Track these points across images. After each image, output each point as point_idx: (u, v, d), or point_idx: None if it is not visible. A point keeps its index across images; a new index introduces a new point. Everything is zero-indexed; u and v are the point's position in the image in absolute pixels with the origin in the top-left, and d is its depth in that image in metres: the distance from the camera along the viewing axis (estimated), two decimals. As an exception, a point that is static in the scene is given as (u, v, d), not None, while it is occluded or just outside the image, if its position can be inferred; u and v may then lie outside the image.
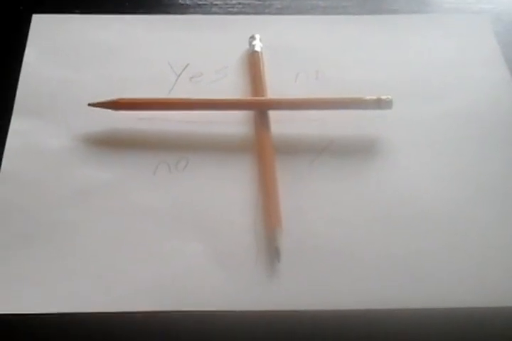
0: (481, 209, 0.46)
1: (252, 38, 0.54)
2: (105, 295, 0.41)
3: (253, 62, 0.52)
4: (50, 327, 0.40)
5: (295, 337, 0.40)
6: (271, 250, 0.43)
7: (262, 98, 0.50)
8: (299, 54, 0.54)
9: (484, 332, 0.41)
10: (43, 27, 0.54)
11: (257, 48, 0.53)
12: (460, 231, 0.44)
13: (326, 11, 0.57)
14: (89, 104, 0.48)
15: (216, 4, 0.57)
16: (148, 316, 0.40)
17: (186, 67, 0.52)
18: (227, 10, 0.57)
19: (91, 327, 0.40)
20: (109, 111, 0.48)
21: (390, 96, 0.48)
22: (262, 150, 0.47)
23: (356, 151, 0.48)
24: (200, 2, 0.57)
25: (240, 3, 0.57)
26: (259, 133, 0.48)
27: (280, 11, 0.57)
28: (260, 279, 0.42)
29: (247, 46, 0.54)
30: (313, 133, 0.49)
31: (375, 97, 0.48)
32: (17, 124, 0.48)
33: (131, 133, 0.48)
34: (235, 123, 0.49)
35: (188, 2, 0.57)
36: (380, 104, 0.48)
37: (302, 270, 0.42)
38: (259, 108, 0.49)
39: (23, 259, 0.42)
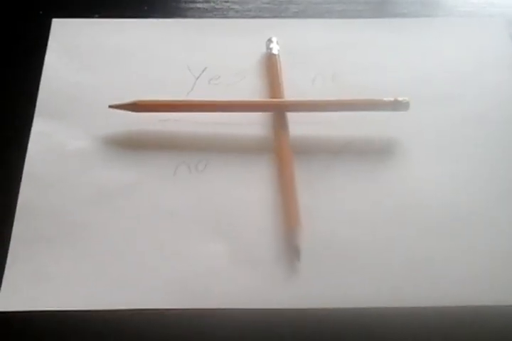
0: (497, 211, 0.46)
1: (269, 40, 0.54)
2: (127, 294, 0.41)
3: (270, 65, 0.53)
4: (72, 324, 0.41)
5: (315, 334, 0.40)
6: (291, 249, 0.43)
7: (281, 100, 0.50)
8: (316, 57, 0.54)
9: (497, 329, 0.41)
10: (62, 31, 0.55)
11: (275, 51, 0.53)
12: (476, 233, 0.45)
13: (341, 14, 0.58)
14: (110, 106, 0.49)
15: (233, 8, 0.58)
16: (170, 314, 0.41)
17: (204, 70, 0.53)
18: (244, 14, 0.57)
19: (112, 324, 0.41)
20: (129, 113, 0.49)
21: (406, 98, 0.49)
22: (280, 151, 0.48)
23: (373, 152, 0.49)
24: (217, 6, 0.58)
25: (256, 7, 0.58)
26: (278, 135, 0.49)
27: (296, 15, 0.57)
28: (280, 278, 0.42)
29: (265, 49, 0.54)
30: (331, 135, 0.49)
31: (392, 99, 0.49)
32: (39, 126, 0.49)
33: (150, 135, 0.49)
34: (253, 125, 0.50)
35: (205, 6, 0.58)
36: (396, 105, 0.49)
37: (321, 269, 0.43)
38: (278, 110, 0.50)
39: (46, 258, 0.43)
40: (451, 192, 0.47)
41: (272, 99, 0.51)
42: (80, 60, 0.53)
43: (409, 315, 0.41)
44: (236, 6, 0.58)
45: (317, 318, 0.41)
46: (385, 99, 0.49)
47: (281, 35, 0.55)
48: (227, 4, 0.58)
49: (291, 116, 0.50)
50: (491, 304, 0.42)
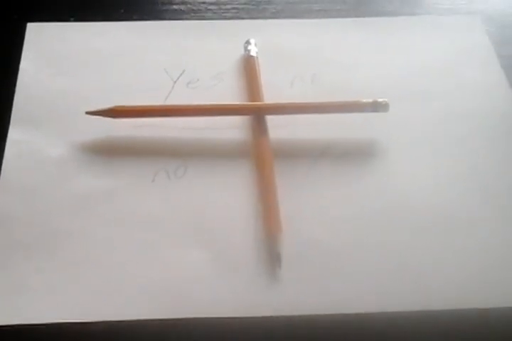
0: (481, 210, 0.46)
1: (247, 42, 0.54)
2: (106, 304, 0.41)
3: (249, 67, 0.53)
4: (51, 338, 0.40)
5: (298, 341, 0.40)
6: (272, 256, 0.43)
7: (259, 103, 0.50)
8: (295, 58, 0.54)
9: (488, 332, 0.41)
10: (38, 35, 0.54)
11: (253, 53, 0.53)
12: (461, 233, 0.45)
13: (320, 14, 0.57)
14: (87, 112, 0.48)
15: (210, 9, 0.57)
16: (150, 324, 0.40)
17: (182, 73, 0.53)
18: (221, 15, 0.57)
19: (91, 335, 0.40)
20: (107, 118, 0.48)
21: (386, 99, 0.48)
22: (260, 156, 0.47)
23: (354, 154, 0.48)
24: (194, 7, 0.57)
25: (234, 8, 0.57)
26: (257, 139, 0.48)
27: (274, 15, 0.57)
28: (261, 285, 0.42)
29: (243, 51, 0.54)
30: (311, 138, 0.49)
31: (371, 100, 0.48)
32: (15, 134, 0.48)
33: (129, 141, 0.48)
34: (232, 129, 0.49)
35: (182, 8, 0.57)
36: (376, 106, 0.48)
37: (303, 275, 0.42)
38: (257, 113, 0.50)
39: (23, 268, 0.42)
40: (436, 192, 0.47)
41: (250, 103, 0.51)
42: (56, 65, 0.53)
43: (397, 319, 0.41)
44: (213, 7, 0.58)
45: (299, 325, 0.40)
46: (364, 100, 0.48)
47: (259, 36, 0.54)
48: (204, 5, 0.58)
49: (271, 119, 0.49)
50: (482, 307, 0.41)
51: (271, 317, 0.41)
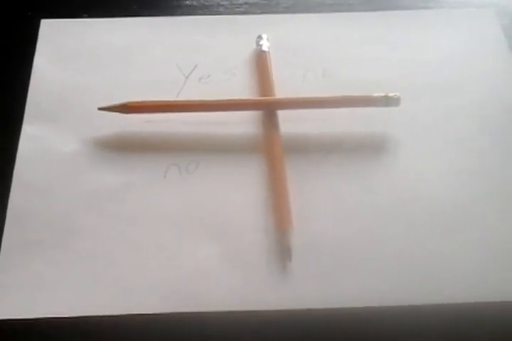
0: (491, 205, 0.46)
1: (259, 37, 0.54)
2: (119, 298, 0.41)
3: (261, 62, 0.53)
4: (66, 331, 0.40)
5: (307, 335, 0.40)
6: (282, 249, 0.43)
7: (270, 98, 0.50)
8: (307, 52, 0.54)
9: (492, 326, 0.41)
10: (51, 32, 0.55)
11: (265, 48, 0.53)
12: (470, 227, 0.45)
13: (332, 8, 0.57)
14: (99, 108, 0.48)
15: (222, 5, 0.57)
16: (162, 318, 0.41)
17: (195, 68, 0.53)
18: (233, 10, 0.57)
19: (106, 329, 0.41)
20: (119, 114, 0.48)
21: (397, 94, 0.48)
22: (271, 150, 0.48)
23: (365, 149, 0.48)
24: (206, 3, 0.57)
25: (246, 3, 0.58)
26: (268, 133, 0.49)
27: (287, 10, 0.57)
28: (272, 278, 0.42)
29: (255, 46, 0.54)
30: (322, 132, 0.49)
31: (382, 95, 0.48)
32: (28, 130, 0.49)
33: (141, 136, 0.49)
34: (243, 124, 0.49)
35: (194, 3, 0.57)
36: (387, 101, 0.48)
37: (313, 268, 0.43)
38: (268, 108, 0.50)
39: (38, 264, 0.43)
40: (447, 186, 0.47)
41: (262, 98, 0.51)
42: (69, 61, 0.53)
43: (405, 313, 0.41)
44: (225, 2, 0.58)
45: (309, 319, 0.41)
46: (375, 94, 0.48)
47: (271, 31, 0.54)
48: (216, 1, 0.58)
49: (282, 114, 0.49)
50: (486, 300, 0.41)
51: (281, 310, 0.41)
